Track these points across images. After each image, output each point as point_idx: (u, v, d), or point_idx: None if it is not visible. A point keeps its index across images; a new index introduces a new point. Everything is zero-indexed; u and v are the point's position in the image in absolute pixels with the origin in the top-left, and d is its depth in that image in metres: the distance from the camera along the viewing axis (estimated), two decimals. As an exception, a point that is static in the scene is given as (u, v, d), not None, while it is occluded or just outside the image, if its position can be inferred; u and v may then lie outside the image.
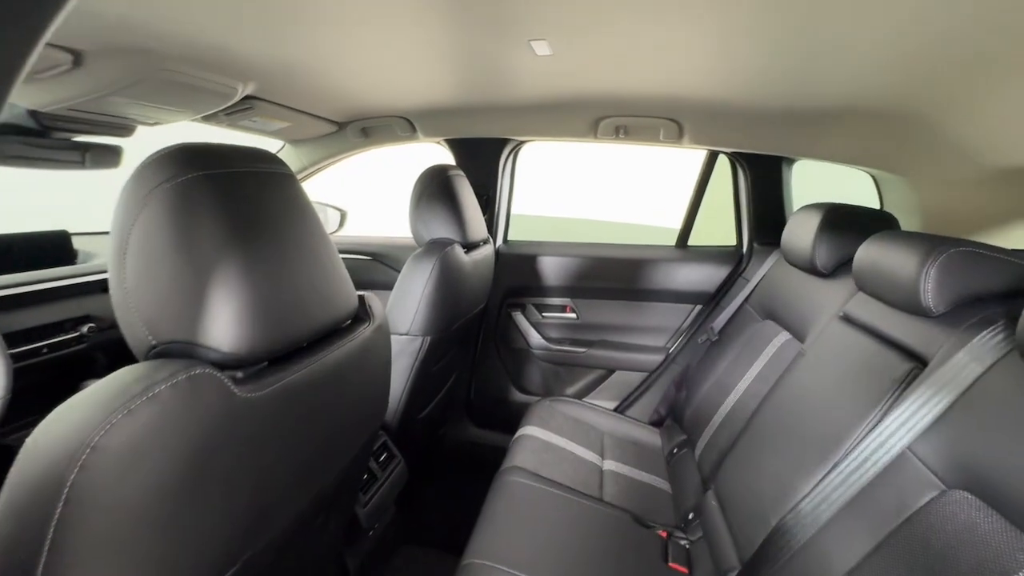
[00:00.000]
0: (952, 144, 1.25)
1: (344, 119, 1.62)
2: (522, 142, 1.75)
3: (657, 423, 1.78)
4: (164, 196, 0.49)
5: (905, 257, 0.82)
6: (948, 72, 0.89)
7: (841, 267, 1.15)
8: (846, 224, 1.15)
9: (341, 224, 2.20)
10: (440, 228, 1.33)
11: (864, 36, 0.78)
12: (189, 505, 0.46)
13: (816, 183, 1.73)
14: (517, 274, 1.86)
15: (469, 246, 1.39)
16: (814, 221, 1.17)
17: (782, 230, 1.67)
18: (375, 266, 2.00)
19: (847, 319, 1.01)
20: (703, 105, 1.32)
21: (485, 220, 1.70)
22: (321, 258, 0.63)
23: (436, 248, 1.26)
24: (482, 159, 1.75)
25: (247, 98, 1.24)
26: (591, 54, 1.00)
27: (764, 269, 1.54)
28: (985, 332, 0.69)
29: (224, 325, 0.49)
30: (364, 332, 0.72)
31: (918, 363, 0.77)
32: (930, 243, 0.81)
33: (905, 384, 0.77)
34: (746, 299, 1.55)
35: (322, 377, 0.63)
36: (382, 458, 1.22)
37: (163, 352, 0.50)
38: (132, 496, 0.41)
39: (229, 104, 1.20)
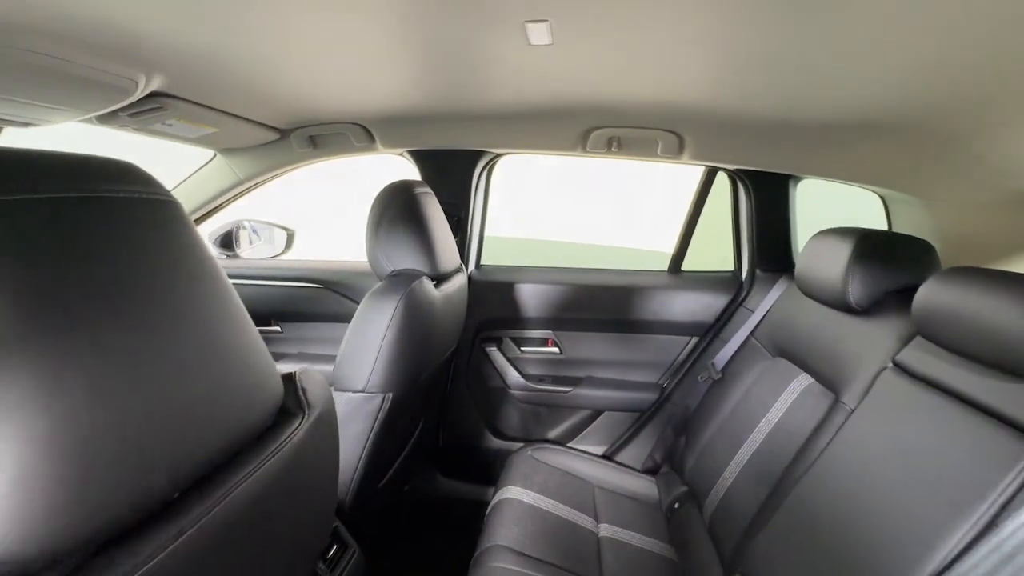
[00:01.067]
0: (975, 164, 1.12)
1: (287, 125, 1.36)
2: (499, 155, 1.54)
3: (652, 470, 1.58)
4: None
5: (1008, 305, 0.65)
6: (974, 88, 0.78)
7: (879, 304, 0.99)
8: (885, 254, 1.00)
9: (288, 246, 1.92)
10: (404, 257, 1.09)
11: (886, 46, 0.67)
12: None
13: (813, 204, 1.61)
14: (492, 304, 1.64)
15: (440, 278, 1.16)
16: (844, 250, 1.01)
17: (788, 254, 1.54)
18: (327, 295, 1.73)
19: (905, 371, 0.84)
20: (708, 116, 1.15)
21: (457, 244, 1.48)
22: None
23: (400, 283, 1.03)
24: (453, 174, 1.53)
25: (155, 95, 0.97)
26: (593, 48, 0.80)
27: (771, 299, 1.38)
28: None
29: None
30: (295, 436, 0.48)
31: None
32: None
33: None
34: (752, 332, 1.39)
35: (238, 513, 0.41)
36: (331, 553, 0.96)
37: None
38: None
39: (129, 102, 0.94)
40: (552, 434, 1.71)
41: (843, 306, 1.03)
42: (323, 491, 0.60)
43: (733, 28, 0.67)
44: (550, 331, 1.66)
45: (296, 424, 0.49)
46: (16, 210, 0.30)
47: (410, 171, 1.54)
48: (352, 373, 1.00)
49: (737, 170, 1.43)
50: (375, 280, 1.08)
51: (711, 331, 1.56)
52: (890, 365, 0.88)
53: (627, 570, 1.14)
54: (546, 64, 0.88)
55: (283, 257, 1.89)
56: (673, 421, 1.55)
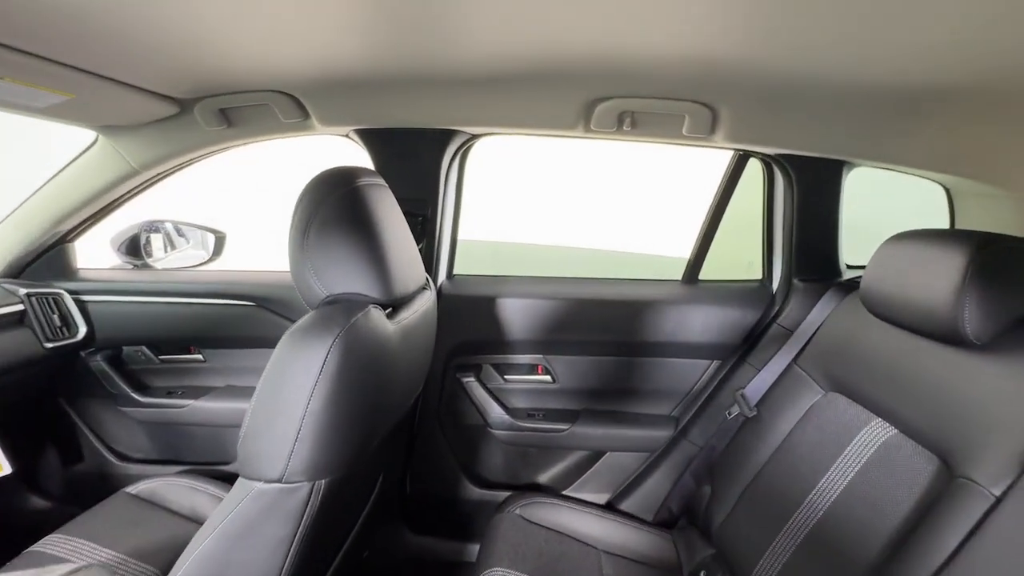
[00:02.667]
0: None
1: (187, 94, 1.01)
2: (475, 136, 1.21)
3: (666, 523, 1.30)
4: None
5: None
6: None
7: (1001, 337, 0.72)
8: (1013, 267, 0.72)
9: (217, 251, 1.56)
10: (344, 278, 0.76)
11: None
12: None
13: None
14: (468, 323, 1.32)
15: (397, 303, 0.83)
16: (956, 261, 0.74)
17: (834, 261, 1.27)
18: (261, 316, 1.39)
19: None
20: (751, 84, 0.87)
21: (422, 252, 1.15)
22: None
23: (335, 316, 0.70)
24: (415, 161, 1.20)
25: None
26: None
27: (818, 316, 1.11)
28: None
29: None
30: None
31: None
32: None
33: None
34: (795, 358, 1.12)
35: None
36: None
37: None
38: None
39: None
40: (543, 478, 1.41)
41: (950, 338, 0.76)
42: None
43: None
44: (540, 355, 1.36)
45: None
46: None
47: (361, 158, 1.20)
48: (263, 455, 0.67)
49: (779, 155, 1.15)
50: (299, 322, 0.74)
51: (737, 354, 1.28)
52: None
53: None
54: (536, 11, 0.58)
55: (207, 268, 1.53)
56: (693, 464, 1.27)
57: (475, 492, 1.38)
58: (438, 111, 1.06)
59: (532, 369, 1.37)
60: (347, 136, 1.18)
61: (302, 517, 0.69)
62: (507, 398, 1.38)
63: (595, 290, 1.34)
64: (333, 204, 0.76)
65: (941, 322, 0.75)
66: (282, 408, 0.66)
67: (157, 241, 1.55)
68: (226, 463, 1.43)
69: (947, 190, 1.12)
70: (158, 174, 1.22)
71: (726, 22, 0.64)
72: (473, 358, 1.36)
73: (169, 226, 1.59)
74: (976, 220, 1.08)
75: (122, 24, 0.67)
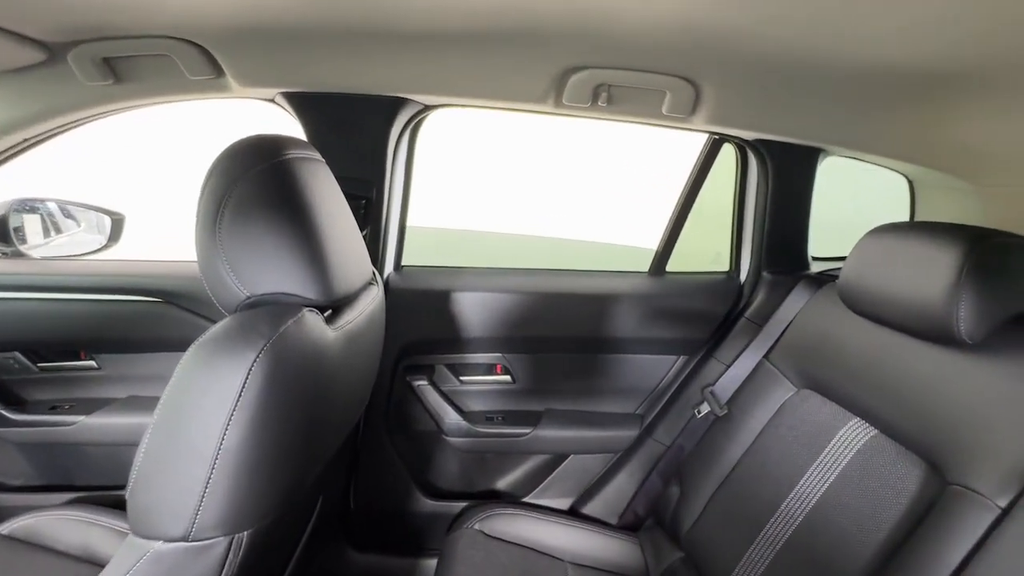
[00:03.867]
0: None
1: (57, 36, 0.79)
2: (428, 107, 1.06)
3: (631, 525, 1.25)
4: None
5: None
6: None
7: (993, 337, 0.69)
8: (1006, 264, 0.69)
9: (115, 236, 1.32)
10: (270, 273, 0.61)
11: None
12: None
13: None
14: (419, 320, 1.19)
15: (337, 305, 0.69)
16: (946, 257, 0.70)
17: (803, 253, 1.24)
18: (170, 314, 1.18)
19: None
20: (736, 60, 0.79)
21: (366, 241, 1.00)
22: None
23: (258, 325, 0.55)
24: (358, 133, 1.03)
25: None
26: None
27: (788, 310, 1.08)
28: None
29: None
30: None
31: None
32: None
33: None
34: (766, 354, 1.08)
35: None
36: None
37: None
38: None
39: None
40: (503, 484, 1.31)
41: (939, 336, 0.72)
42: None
43: None
44: (499, 354, 1.25)
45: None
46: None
47: (290, 126, 1.02)
48: (161, 505, 0.52)
49: (757, 140, 1.09)
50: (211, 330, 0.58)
51: (704, 349, 1.24)
52: None
53: None
54: None
55: (102, 257, 1.28)
56: (660, 465, 1.22)
57: (428, 504, 1.26)
58: (385, 75, 0.91)
59: (490, 369, 1.26)
60: (272, 101, 0.99)
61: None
62: (463, 401, 1.26)
63: (557, 283, 1.25)
64: (253, 181, 0.60)
65: (932, 320, 0.72)
66: (187, 446, 0.51)
67: (34, 224, 1.28)
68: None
69: (910, 181, 1.11)
70: (26, 140, 0.98)
71: None
72: (425, 358, 1.23)
73: (52, 206, 1.33)
74: (937, 212, 1.08)
75: None
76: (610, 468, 1.27)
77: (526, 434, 1.23)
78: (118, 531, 0.97)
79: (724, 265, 1.27)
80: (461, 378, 1.25)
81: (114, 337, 1.20)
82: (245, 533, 0.55)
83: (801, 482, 0.86)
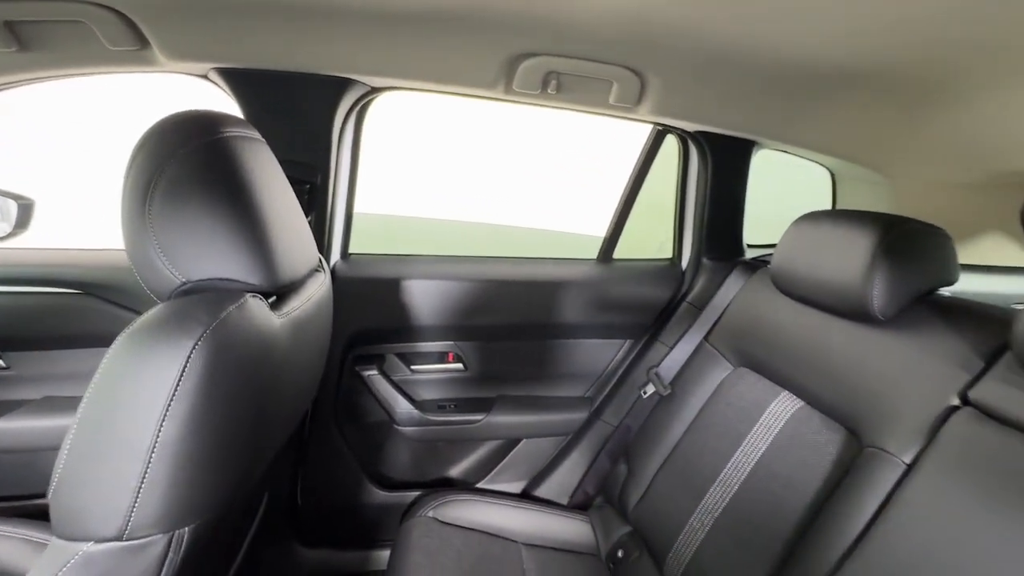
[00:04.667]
0: (954, 140, 0.98)
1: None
2: (376, 89, 1.03)
3: (582, 505, 1.29)
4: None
5: None
6: (960, 45, 0.71)
7: (905, 313, 0.77)
8: (913, 249, 0.77)
9: (22, 224, 1.19)
10: (209, 259, 0.57)
11: None
12: None
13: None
14: (368, 309, 1.16)
15: (283, 291, 0.66)
16: (863, 241, 0.77)
17: (739, 240, 1.31)
18: (92, 306, 1.09)
19: (992, 415, 0.61)
20: (679, 53, 0.83)
21: (311, 226, 0.96)
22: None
23: (196, 310, 0.52)
24: (300, 115, 0.99)
25: None
26: None
27: (726, 294, 1.14)
28: None
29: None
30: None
31: None
32: None
33: None
34: (705, 336, 1.14)
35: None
36: None
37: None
38: None
39: None
40: (456, 472, 1.32)
41: (857, 314, 0.79)
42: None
43: None
44: (450, 342, 1.24)
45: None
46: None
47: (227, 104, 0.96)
48: (91, 505, 0.48)
49: (697, 132, 1.14)
50: (144, 317, 0.54)
51: (648, 332, 1.29)
52: (960, 403, 0.65)
53: None
54: None
55: (9, 245, 1.16)
56: (608, 445, 1.26)
57: (379, 495, 1.24)
58: (329, 53, 0.87)
59: (442, 357, 1.25)
60: (205, 77, 0.93)
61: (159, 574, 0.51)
62: (414, 390, 1.25)
63: (507, 270, 1.26)
64: (186, 158, 0.56)
65: (850, 299, 0.79)
66: (119, 440, 0.48)
67: (-77, 208, 1.14)
68: (44, 495, 1.12)
69: (832, 174, 1.21)
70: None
71: None
72: (374, 348, 1.21)
73: (-67, 188, 1.18)
74: (855, 202, 1.18)
75: None
76: (561, 451, 1.30)
77: (478, 421, 1.23)
78: (36, 542, 0.89)
79: (668, 252, 1.33)
80: (412, 367, 1.24)
81: (26, 333, 1.10)
82: (186, 530, 0.52)
83: (737, 453, 0.92)
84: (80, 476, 0.49)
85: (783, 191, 1.41)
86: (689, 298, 1.25)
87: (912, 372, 0.72)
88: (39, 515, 0.96)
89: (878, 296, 0.75)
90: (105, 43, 0.78)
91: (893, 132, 0.98)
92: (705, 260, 1.25)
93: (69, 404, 1.09)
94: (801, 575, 0.70)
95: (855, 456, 0.74)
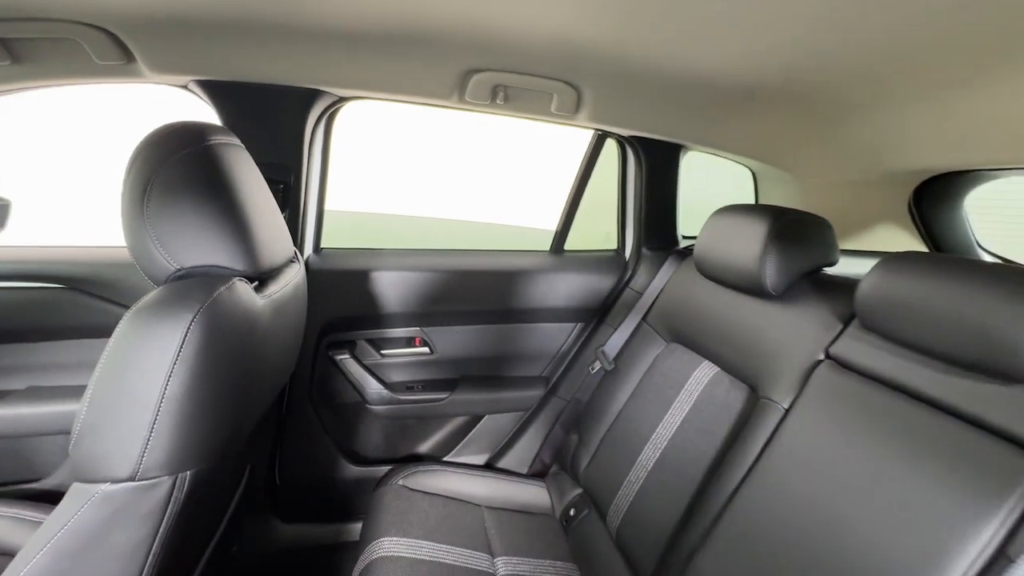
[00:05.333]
0: (847, 141, 1.14)
1: (-52, 14, 0.78)
2: (343, 99, 1.13)
3: (540, 473, 1.42)
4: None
5: (991, 299, 0.58)
6: (860, 69, 0.83)
7: (792, 288, 0.92)
8: (798, 234, 0.93)
9: (0, 223, 1.25)
10: (199, 247, 0.67)
11: (788, 14, 0.67)
12: None
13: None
14: (339, 299, 1.26)
15: (264, 276, 0.77)
16: (759, 229, 0.92)
17: (673, 231, 1.47)
18: (74, 300, 1.15)
19: (846, 367, 0.77)
20: (609, 69, 0.96)
21: (286, 222, 1.06)
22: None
23: (192, 291, 0.62)
24: (274, 122, 1.09)
25: None
26: None
27: (661, 280, 1.29)
28: None
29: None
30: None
31: None
32: (1008, 276, 0.58)
33: None
34: (643, 317, 1.29)
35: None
36: None
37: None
38: None
39: None
40: (424, 447, 1.43)
41: (756, 290, 0.95)
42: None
43: None
44: (417, 328, 1.36)
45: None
46: None
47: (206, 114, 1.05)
48: (109, 451, 0.58)
49: (631, 136, 1.28)
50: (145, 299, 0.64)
51: (596, 316, 1.43)
52: (824, 357, 0.81)
53: (537, 614, 0.95)
54: None
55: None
56: (562, 417, 1.40)
57: (353, 471, 1.35)
58: (300, 67, 0.97)
59: (409, 342, 1.36)
60: (186, 87, 1.02)
61: (163, 516, 0.62)
62: (384, 373, 1.35)
63: (469, 261, 1.38)
64: (178, 164, 0.66)
65: (750, 278, 0.94)
66: (131, 396, 0.58)
67: (-99, 208, 1.18)
68: (33, 480, 1.19)
69: (753, 173, 1.37)
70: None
71: (587, 9, 0.69)
72: (346, 335, 1.31)
73: (-88, 189, 1.23)
74: (772, 198, 1.35)
75: None
76: (520, 425, 1.43)
77: (444, 399, 1.35)
78: (29, 521, 0.97)
79: (613, 244, 1.47)
80: (382, 352, 1.35)
81: (9, 326, 1.16)
82: (187, 474, 0.62)
83: (666, 416, 1.06)
84: (98, 427, 0.58)
85: (725, 190, 1.57)
86: (631, 284, 1.39)
87: (794, 335, 0.87)
88: (27, 498, 1.03)
89: (770, 275, 0.90)
90: (94, 58, 0.86)
91: (797, 139, 1.14)
92: (645, 250, 1.40)
93: (52, 393, 1.16)
94: (707, 508, 0.84)
95: (752, 408, 0.89)
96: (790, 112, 1.11)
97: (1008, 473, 0.53)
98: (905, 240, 1.31)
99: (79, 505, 0.58)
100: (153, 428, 0.58)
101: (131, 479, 0.59)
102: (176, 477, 0.61)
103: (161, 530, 0.62)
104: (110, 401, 0.58)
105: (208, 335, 0.60)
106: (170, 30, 0.86)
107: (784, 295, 0.92)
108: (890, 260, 0.72)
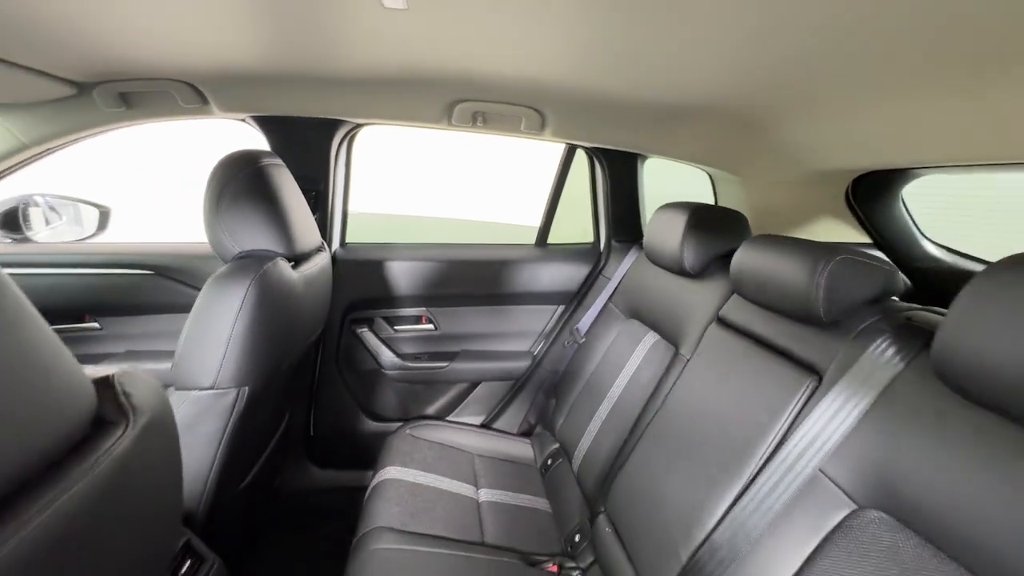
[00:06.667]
0: (777, 148, 1.34)
1: (88, 78, 1.12)
2: (359, 125, 1.44)
3: (527, 433, 1.68)
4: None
5: (794, 265, 0.80)
6: (788, 84, 0.94)
7: (708, 268, 1.15)
8: (711, 225, 1.15)
9: (102, 226, 1.61)
10: (254, 236, 0.98)
11: (715, 42, 0.77)
12: None
13: (657, 181, 1.79)
14: (360, 284, 1.56)
15: (298, 258, 1.07)
16: (679, 221, 1.15)
17: (638, 226, 1.70)
18: (159, 283, 1.50)
19: (726, 324, 1.00)
20: (567, 95, 1.21)
21: (317, 222, 1.37)
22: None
23: (249, 265, 0.92)
24: (308, 145, 1.40)
25: None
26: (450, 17, 0.79)
27: (624, 267, 1.53)
28: (880, 340, 0.68)
29: None
30: (118, 446, 0.41)
31: (814, 374, 0.76)
32: (814, 251, 0.80)
33: (806, 397, 0.74)
34: (609, 298, 1.52)
35: (36, 555, 0.35)
36: (184, 569, 0.86)
37: None
38: None
39: None
40: (430, 410, 1.71)
41: (680, 270, 1.18)
42: (163, 504, 0.53)
43: (583, 10, 0.70)
44: (424, 308, 1.64)
45: (118, 434, 0.42)
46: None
47: (259, 141, 1.38)
48: (197, 369, 0.89)
49: (593, 148, 1.53)
50: (218, 263, 0.95)
51: (575, 299, 1.68)
52: (715, 320, 1.04)
53: (506, 527, 1.21)
54: (404, 30, 0.84)
55: (100, 239, 1.58)
56: (544, 385, 1.65)
57: (372, 426, 1.64)
58: (326, 102, 1.28)
59: (417, 320, 1.65)
60: (244, 121, 1.35)
61: (230, 416, 0.92)
62: (397, 345, 1.65)
63: (467, 253, 1.65)
64: (242, 179, 0.97)
65: (676, 260, 1.17)
66: (212, 332, 0.88)
67: (37, 215, 1.56)
68: None
69: (710, 176, 1.58)
70: (48, 148, 1.29)
71: (543, 51, 0.90)
72: (366, 313, 1.61)
73: (51, 199, 1.61)
74: (728, 198, 1.55)
75: (24, 10, 0.78)
76: (510, 392, 1.69)
77: (445, 367, 1.63)
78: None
79: (590, 238, 1.72)
80: (395, 327, 1.64)
81: (113, 303, 1.51)
82: (246, 388, 0.92)
83: (618, 378, 1.30)
84: (191, 354, 0.89)
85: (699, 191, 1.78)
86: (603, 272, 1.64)
87: (702, 305, 1.10)
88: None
89: (688, 258, 1.13)
90: (180, 102, 1.19)
91: (736, 146, 1.35)
92: (614, 243, 1.64)
93: (146, 356, 1.51)
94: (633, 439, 1.08)
95: (670, 362, 1.12)
96: (730, 124, 1.32)
97: (795, 384, 0.76)
98: (849, 232, 1.48)
99: (178, 405, 0.89)
100: (225, 355, 0.88)
101: (211, 388, 0.89)
102: (239, 390, 0.91)
103: (228, 427, 0.92)
104: (198, 337, 0.89)
105: (259, 295, 0.90)
106: (233, 82, 1.18)
107: (702, 274, 1.15)
108: (750, 242, 0.94)
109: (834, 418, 0.67)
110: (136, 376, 0.48)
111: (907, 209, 1.46)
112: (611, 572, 0.98)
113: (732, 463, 0.79)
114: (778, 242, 0.88)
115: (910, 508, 0.57)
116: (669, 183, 1.77)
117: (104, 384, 0.44)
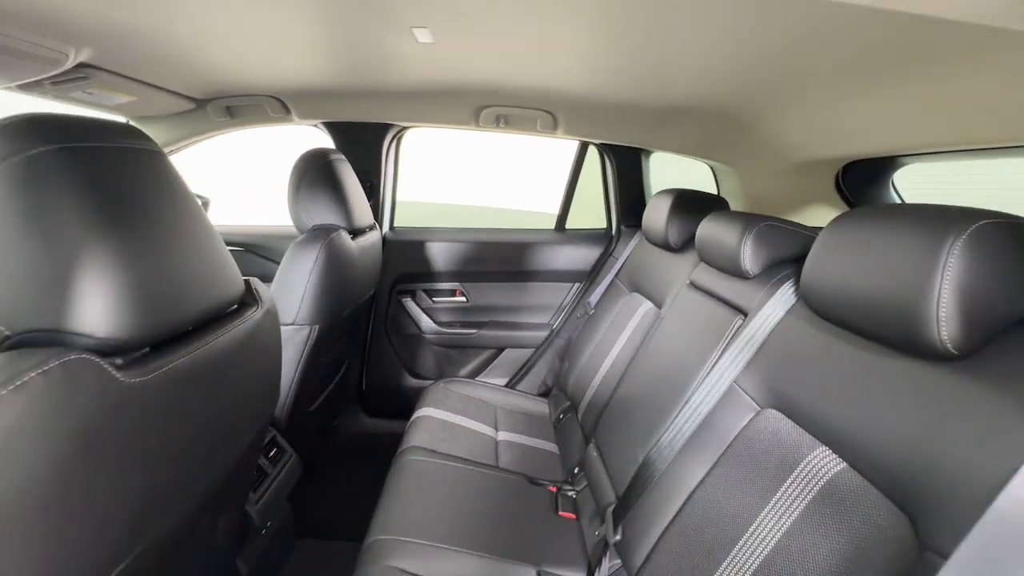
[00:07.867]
0: (769, 141, 1.52)
1: (204, 96, 1.48)
2: (405, 128, 1.75)
3: (545, 394, 1.92)
4: (11, 171, 0.44)
5: (729, 232, 1.01)
6: (770, 82, 1.08)
7: (687, 243, 1.35)
8: (691, 206, 1.36)
9: (204, 213, 2.00)
10: (323, 214, 1.29)
11: (705, 46, 0.93)
12: (66, 501, 0.43)
13: (670, 173, 1.98)
14: (405, 261, 1.86)
15: (355, 232, 1.37)
16: (666, 204, 1.36)
17: (643, 213, 1.91)
18: (248, 258, 1.86)
19: (694, 286, 1.21)
20: (575, 99, 1.45)
21: (371, 207, 1.68)
22: (199, 240, 0.60)
23: (320, 234, 1.23)
24: (364, 144, 1.72)
25: (81, 66, 1.08)
26: (472, 44, 1.05)
27: (629, 248, 1.74)
28: (784, 286, 0.88)
29: (97, 309, 0.46)
30: (252, 317, 0.70)
31: (742, 315, 0.96)
32: (746, 220, 1.01)
33: (733, 332, 0.95)
34: (616, 275, 1.74)
35: (210, 363, 0.60)
36: (272, 453, 1.17)
37: (22, 342, 0.45)
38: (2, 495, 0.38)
39: (57, 72, 1.04)
40: (462, 372, 1.99)
41: (667, 246, 1.38)
42: (268, 375, 0.79)
43: (588, 30, 0.90)
44: (457, 283, 1.92)
45: (251, 310, 0.71)
46: (77, 153, 0.50)
47: (325, 141, 1.71)
48: (283, 308, 1.20)
49: (602, 144, 1.76)
50: (289, 243, 1.27)
51: (589, 277, 1.90)
52: (688, 283, 1.24)
53: (517, 459, 1.46)
54: (435, 55, 1.12)
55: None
56: (561, 352, 1.89)
57: (413, 382, 1.94)
58: (379, 110, 1.59)
59: (452, 293, 1.93)
60: (316, 126, 1.69)
61: (304, 347, 1.23)
62: (435, 314, 1.93)
63: (496, 236, 1.92)
64: (315, 169, 1.29)
65: (662, 237, 1.38)
66: (294, 283, 1.19)
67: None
68: None
69: (711, 167, 1.76)
70: (171, 151, 1.67)
71: (553, 64, 1.14)
72: (410, 285, 1.91)
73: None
74: (727, 187, 1.73)
75: (174, 51, 1.11)
76: (531, 357, 1.94)
77: (475, 334, 1.90)
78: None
79: (603, 223, 1.94)
80: (433, 299, 1.93)
81: (262, 272, 1.89)
82: (316, 327, 1.22)
83: (617, 340, 1.52)
84: (278, 297, 1.20)
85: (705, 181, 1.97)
86: (613, 253, 1.85)
87: (680, 272, 1.30)
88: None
89: (671, 235, 1.35)
90: (269, 112, 1.54)
91: (729, 140, 1.53)
92: (624, 228, 1.85)
93: None
94: (619, 387, 1.30)
95: (654, 321, 1.33)
96: (721, 120, 1.51)
97: (727, 322, 0.97)
98: (834, 214, 1.62)
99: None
100: (302, 299, 1.19)
101: (292, 324, 1.20)
102: (311, 327, 1.22)
103: (303, 356, 1.23)
104: (283, 286, 1.20)
105: (328, 256, 1.21)
106: (309, 96, 1.51)
107: (683, 247, 1.36)
108: (709, 218, 1.14)
109: (748, 344, 0.88)
110: (260, 282, 0.77)
111: (899, 195, 1.58)
112: (596, 488, 1.21)
113: (679, 385, 1.00)
114: (726, 216, 1.09)
115: (795, 406, 0.78)
116: (681, 175, 1.96)
117: (245, 281, 0.73)
